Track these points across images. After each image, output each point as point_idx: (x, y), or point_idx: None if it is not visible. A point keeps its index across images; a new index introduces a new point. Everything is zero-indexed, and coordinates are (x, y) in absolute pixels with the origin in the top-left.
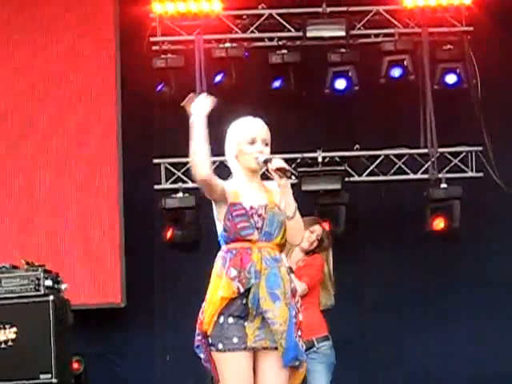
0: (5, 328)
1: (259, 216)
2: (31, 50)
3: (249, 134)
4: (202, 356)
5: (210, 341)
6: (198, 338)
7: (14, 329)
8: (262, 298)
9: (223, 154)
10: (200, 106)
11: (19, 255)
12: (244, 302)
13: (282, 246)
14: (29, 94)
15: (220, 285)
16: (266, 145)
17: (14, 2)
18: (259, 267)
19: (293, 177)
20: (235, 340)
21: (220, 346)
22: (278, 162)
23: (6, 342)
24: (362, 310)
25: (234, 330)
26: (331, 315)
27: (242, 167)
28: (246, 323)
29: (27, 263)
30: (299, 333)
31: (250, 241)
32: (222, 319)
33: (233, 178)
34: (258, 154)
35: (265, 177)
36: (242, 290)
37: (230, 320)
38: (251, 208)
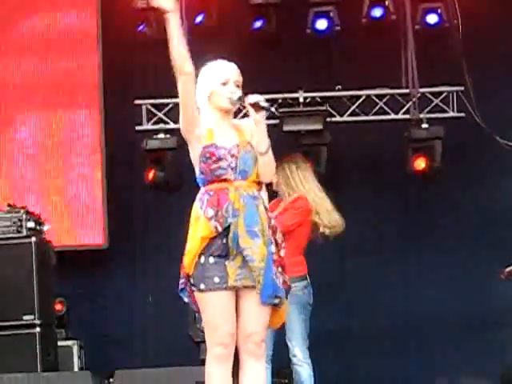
0: None
1: (232, 156)
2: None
3: (222, 75)
4: (186, 299)
5: (192, 281)
6: (181, 281)
7: None
8: (240, 236)
9: None
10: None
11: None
12: (224, 241)
13: (259, 184)
14: (6, 40)
15: (198, 226)
16: (238, 86)
17: None
18: (237, 206)
19: (272, 108)
20: (216, 279)
21: (202, 285)
22: (253, 97)
23: None
24: (342, 249)
25: (215, 270)
26: (312, 258)
27: (213, 108)
28: (226, 262)
29: (9, 205)
30: (279, 269)
31: (226, 181)
32: (202, 259)
33: (204, 120)
34: (231, 94)
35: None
36: (219, 229)
37: (211, 260)
38: (224, 148)
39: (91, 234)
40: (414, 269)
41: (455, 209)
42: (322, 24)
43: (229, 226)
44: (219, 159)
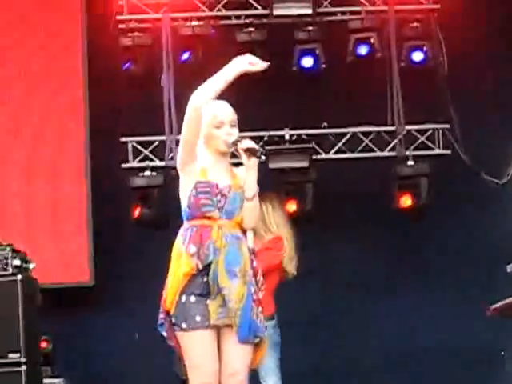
0: None
1: (222, 195)
2: None
3: (216, 118)
4: (164, 334)
5: (174, 320)
6: (161, 315)
7: None
8: (219, 275)
9: None
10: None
11: None
12: (205, 279)
13: (239, 225)
14: None
15: (180, 262)
16: (233, 126)
17: None
18: (219, 244)
19: (263, 157)
20: (198, 318)
21: (183, 325)
22: (247, 142)
23: None
24: (327, 288)
25: (196, 309)
26: (296, 294)
27: (210, 150)
28: (208, 301)
29: None
30: (260, 309)
31: (210, 218)
32: (184, 298)
33: (200, 160)
34: (227, 137)
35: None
36: (200, 266)
37: (192, 298)
38: (216, 187)
39: (77, 271)
40: (401, 306)
41: (442, 245)
42: (307, 61)
43: (209, 264)
44: (210, 195)
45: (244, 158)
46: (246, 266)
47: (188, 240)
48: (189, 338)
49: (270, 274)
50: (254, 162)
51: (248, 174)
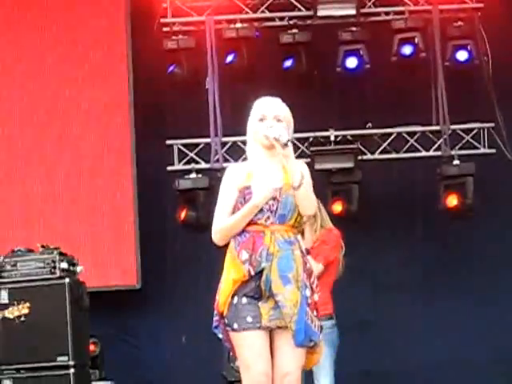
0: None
1: (274, 199)
2: (39, 34)
3: (259, 112)
4: (220, 336)
5: (226, 321)
6: (215, 318)
7: (27, 304)
8: (273, 281)
9: (236, 134)
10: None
11: (35, 239)
12: (257, 283)
13: (297, 228)
14: (39, 78)
15: (232, 267)
16: (279, 121)
17: None
18: (272, 250)
19: (289, 143)
20: (249, 319)
21: (235, 325)
22: (272, 131)
23: (19, 317)
24: (375, 289)
25: (248, 310)
26: (344, 295)
27: (259, 147)
28: (260, 303)
29: (42, 246)
30: (314, 313)
31: (262, 224)
32: (235, 300)
33: (251, 160)
34: (267, 130)
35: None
36: (252, 272)
37: (244, 300)
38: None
39: (124, 274)
40: (448, 307)
41: (489, 246)
42: (352, 62)
43: (262, 270)
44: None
45: (278, 148)
46: (299, 271)
47: (240, 246)
48: (240, 338)
49: (328, 269)
50: (288, 150)
51: (289, 164)
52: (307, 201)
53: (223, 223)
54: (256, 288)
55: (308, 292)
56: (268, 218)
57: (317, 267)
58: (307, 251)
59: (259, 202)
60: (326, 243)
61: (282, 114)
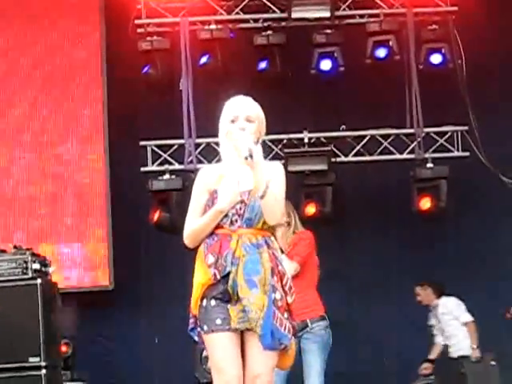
0: None
1: (241, 202)
2: (14, 34)
3: (230, 112)
4: (196, 338)
5: (198, 323)
6: (191, 320)
7: None
8: (239, 285)
9: (210, 136)
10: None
11: (6, 239)
12: (225, 287)
13: (266, 231)
14: (12, 77)
15: (201, 270)
16: (250, 121)
17: None
18: (238, 254)
19: (249, 157)
20: (218, 321)
21: (205, 327)
22: (240, 142)
23: None
24: (349, 290)
25: (217, 312)
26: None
27: (231, 148)
28: (229, 306)
29: (15, 247)
30: (285, 315)
31: (229, 227)
32: (205, 302)
33: (224, 161)
34: (239, 131)
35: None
36: (218, 276)
37: (213, 302)
38: None
39: (97, 275)
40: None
41: (462, 247)
42: (326, 64)
43: (228, 274)
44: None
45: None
46: (267, 274)
47: (208, 249)
48: (210, 340)
49: (309, 269)
50: (256, 157)
51: (254, 172)
52: (271, 212)
53: (191, 226)
54: (224, 291)
55: (278, 295)
56: (235, 221)
57: (292, 265)
58: (281, 251)
59: (223, 208)
60: (299, 243)
61: (253, 114)
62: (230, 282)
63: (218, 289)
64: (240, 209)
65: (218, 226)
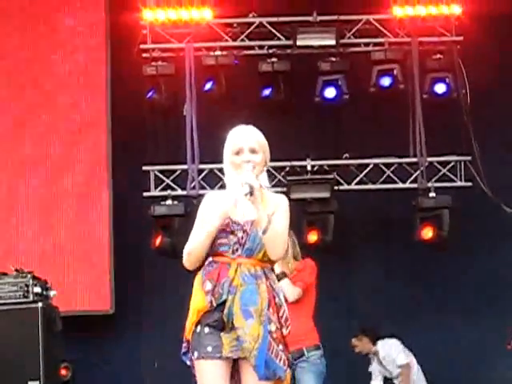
0: None
1: (244, 232)
2: (20, 56)
3: (235, 144)
4: (188, 363)
5: (191, 348)
6: (184, 344)
7: None
8: (235, 315)
9: (213, 162)
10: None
11: (8, 262)
12: (221, 315)
13: (266, 262)
14: (19, 101)
15: (199, 296)
16: (254, 152)
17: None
18: (235, 283)
19: (248, 195)
20: (209, 348)
21: (195, 353)
22: (244, 178)
23: None
24: (349, 318)
25: (209, 339)
26: (318, 323)
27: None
28: (222, 334)
29: (16, 270)
30: (281, 347)
31: (230, 256)
32: (199, 328)
33: (229, 188)
34: (244, 164)
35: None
36: (214, 304)
37: (206, 330)
38: (236, 223)
39: (98, 299)
40: (423, 333)
41: (463, 276)
42: (330, 92)
43: (224, 302)
44: (225, 235)
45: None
46: (263, 305)
47: (206, 276)
48: (199, 366)
49: (308, 297)
50: (253, 198)
51: (255, 209)
52: (273, 247)
53: (189, 247)
54: (219, 319)
55: (273, 327)
56: (236, 250)
57: (295, 290)
58: (284, 274)
59: (211, 228)
60: (304, 270)
61: (257, 145)
62: (226, 310)
63: (213, 316)
64: (242, 238)
65: (218, 254)
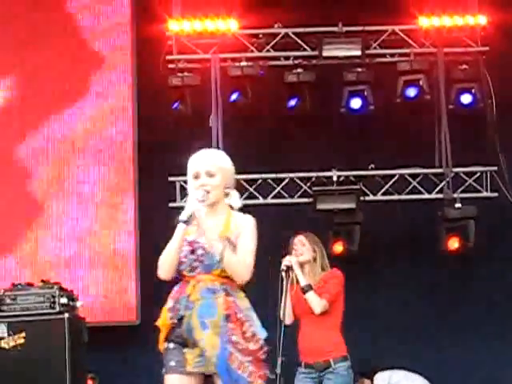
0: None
1: (204, 249)
2: (45, 67)
3: (192, 169)
4: None
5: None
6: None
7: (23, 334)
8: (194, 329)
9: (239, 172)
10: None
11: (35, 274)
12: (180, 330)
13: (227, 279)
14: (45, 113)
15: (163, 313)
16: (211, 176)
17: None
18: (193, 298)
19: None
20: (172, 363)
21: (164, 369)
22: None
23: (15, 347)
24: (374, 330)
25: (173, 354)
26: (343, 334)
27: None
28: (185, 349)
29: (42, 281)
30: (248, 359)
31: (190, 274)
32: (166, 344)
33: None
34: (199, 188)
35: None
36: (174, 320)
37: (171, 345)
38: (196, 242)
39: (124, 310)
40: (450, 348)
41: (490, 288)
42: (356, 103)
43: (183, 318)
44: (185, 255)
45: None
46: (220, 317)
47: (171, 294)
48: (167, 381)
49: (335, 309)
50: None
51: (207, 234)
52: (234, 272)
53: (160, 258)
54: (180, 335)
55: (235, 338)
56: (196, 267)
57: (321, 302)
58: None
59: (174, 241)
60: (330, 282)
61: (213, 169)
62: (184, 326)
63: (175, 332)
64: (201, 255)
65: (183, 273)
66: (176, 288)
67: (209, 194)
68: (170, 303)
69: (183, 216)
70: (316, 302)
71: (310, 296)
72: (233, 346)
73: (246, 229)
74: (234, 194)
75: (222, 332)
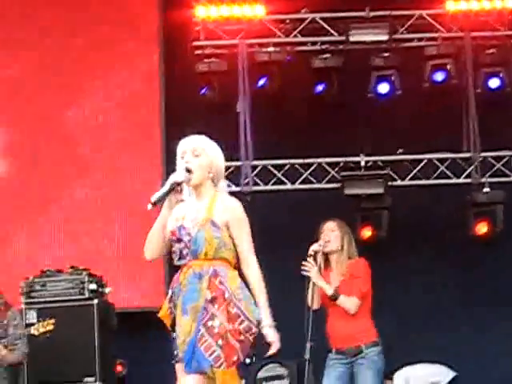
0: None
1: (189, 235)
2: (72, 56)
3: (180, 149)
4: None
5: None
6: None
7: (52, 320)
8: (178, 315)
9: (267, 158)
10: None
11: (64, 260)
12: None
13: (217, 260)
14: (70, 102)
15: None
16: (196, 155)
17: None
18: (182, 285)
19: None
20: (175, 352)
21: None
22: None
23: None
24: (400, 314)
25: (175, 344)
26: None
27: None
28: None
29: (72, 267)
30: (219, 342)
31: (184, 262)
32: (173, 334)
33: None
34: (185, 164)
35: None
36: (172, 310)
37: (174, 334)
38: (183, 229)
39: (153, 296)
40: (476, 334)
41: None
42: (383, 88)
43: (176, 307)
44: (176, 242)
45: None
46: (200, 302)
47: (170, 284)
48: (176, 370)
49: (366, 298)
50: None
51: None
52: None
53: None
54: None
55: (216, 322)
56: (186, 254)
57: (353, 301)
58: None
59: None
60: (357, 276)
61: (198, 148)
62: (174, 312)
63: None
64: (189, 241)
65: (177, 263)
66: (174, 277)
67: (192, 175)
68: (169, 293)
69: (153, 197)
70: (349, 305)
71: (341, 301)
72: (207, 329)
73: (236, 219)
74: (222, 182)
75: (199, 318)
